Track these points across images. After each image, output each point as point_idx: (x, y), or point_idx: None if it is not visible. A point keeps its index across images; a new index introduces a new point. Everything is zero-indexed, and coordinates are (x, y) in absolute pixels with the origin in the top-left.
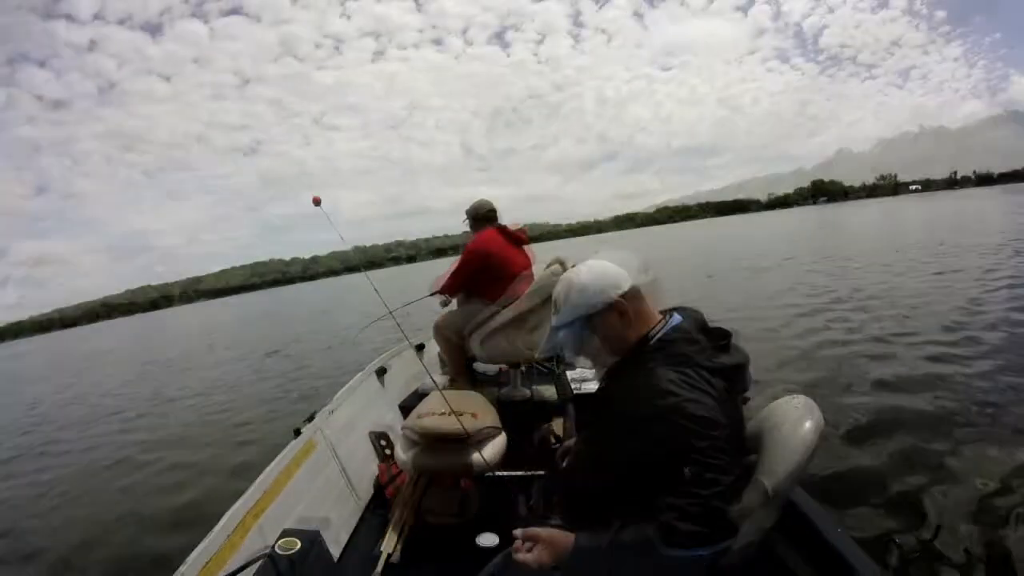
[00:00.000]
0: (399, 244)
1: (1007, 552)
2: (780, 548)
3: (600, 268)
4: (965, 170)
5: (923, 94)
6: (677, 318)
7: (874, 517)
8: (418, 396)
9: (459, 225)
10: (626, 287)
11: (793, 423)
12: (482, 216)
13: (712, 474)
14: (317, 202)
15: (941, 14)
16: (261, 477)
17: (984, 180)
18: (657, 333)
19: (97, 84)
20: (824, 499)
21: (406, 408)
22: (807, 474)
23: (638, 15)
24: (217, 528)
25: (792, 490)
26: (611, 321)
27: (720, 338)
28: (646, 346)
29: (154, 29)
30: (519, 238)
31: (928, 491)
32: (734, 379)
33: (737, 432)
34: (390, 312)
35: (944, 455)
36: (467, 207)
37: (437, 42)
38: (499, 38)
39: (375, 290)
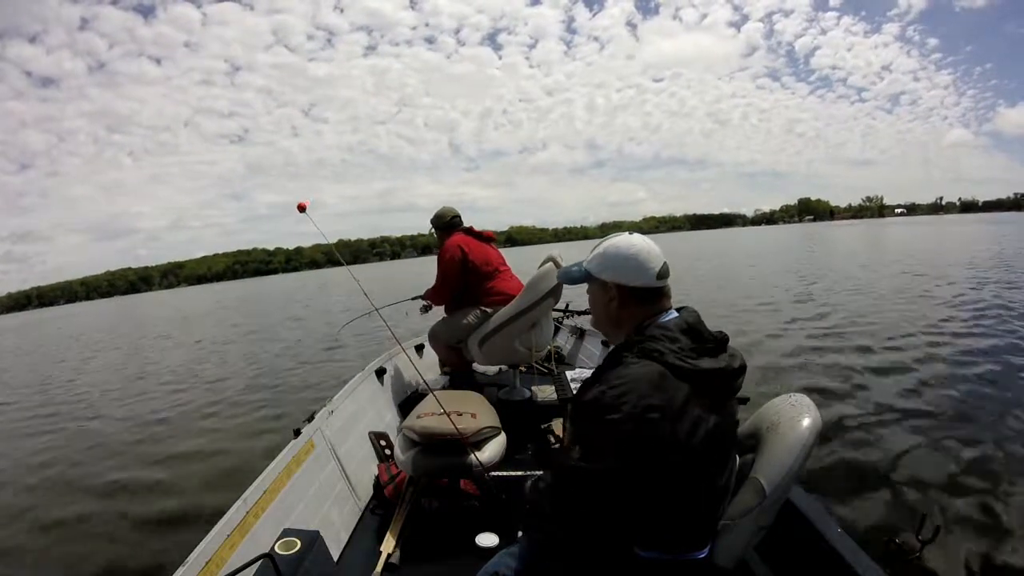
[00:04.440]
0: (384, 240)
1: (1007, 552)
2: (778, 548)
3: (632, 251)
4: (950, 196)
5: (911, 119)
6: (670, 315)
7: (873, 516)
8: (417, 396)
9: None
10: (635, 283)
11: (790, 422)
12: (447, 223)
13: (656, 475)
14: (303, 208)
15: (933, 41)
16: (261, 477)
17: (968, 207)
18: (644, 328)
19: (87, 63)
20: (823, 498)
21: (405, 408)
22: (805, 473)
23: (631, 25)
24: (217, 528)
25: (790, 489)
26: (601, 294)
27: (711, 341)
28: (630, 338)
29: (147, 11)
30: (487, 236)
31: (928, 490)
32: (715, 385)
33: (717, 437)
34: (376, 309)
35: (943, 454)
36: (431, 217)
37: (429, 40)
38: (491, 40)
39: (362, 291)
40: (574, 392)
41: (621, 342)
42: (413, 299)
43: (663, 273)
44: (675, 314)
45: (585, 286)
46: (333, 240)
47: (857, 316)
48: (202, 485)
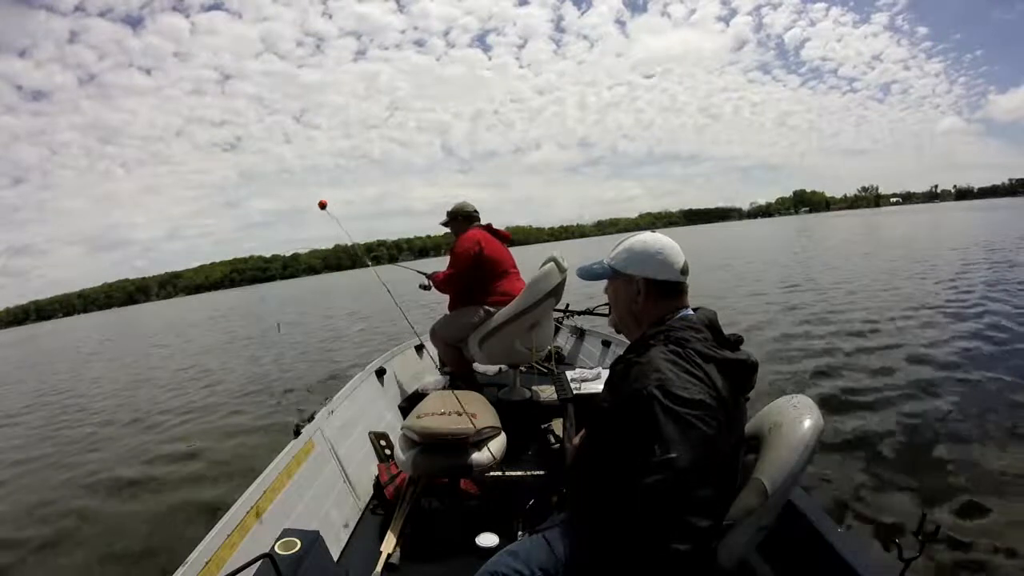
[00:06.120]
0: (381, 244)
1: (1007, 552)
2: (780, 548)
3: (658, 246)
4: (945, 184)
5: (903, 108)
6: (689, 311)
7: (874, 517)
8: (417, 396)
9: (441, 226)
10: (661, 276)
11: (792, 422)
12: (466, 216)
13: (681, 456)
14: (323, 205)
15: (923, 30)
16: (261, 477)
17: (963, 194)
18: (665, 320)
19: (77, 76)
20: (824, 499)
21: (405, 408)
22: (806, 474)
23: (620, 23)
24: (217, 528)
25: (791, 490)
26: (626, 289)
27: (729, 338)
28: (651, 330)
29: (135, 22)
30: (504, 236)
31: (928, 490)
32: (736, 376)
33: (736, 429)
34: (368, 264)
35: (944, 455)
36: (449, 208)
37: (419, 43)
38: (481, 41)
39: (383, 283)
40: (574, 392)
41: (639, 336)
42: (420, 272)
43: (685, 269)
44: (691, 311)
45: (589, 287)
46: (330, 245)
47: (857, 315)
48: (202, 485)
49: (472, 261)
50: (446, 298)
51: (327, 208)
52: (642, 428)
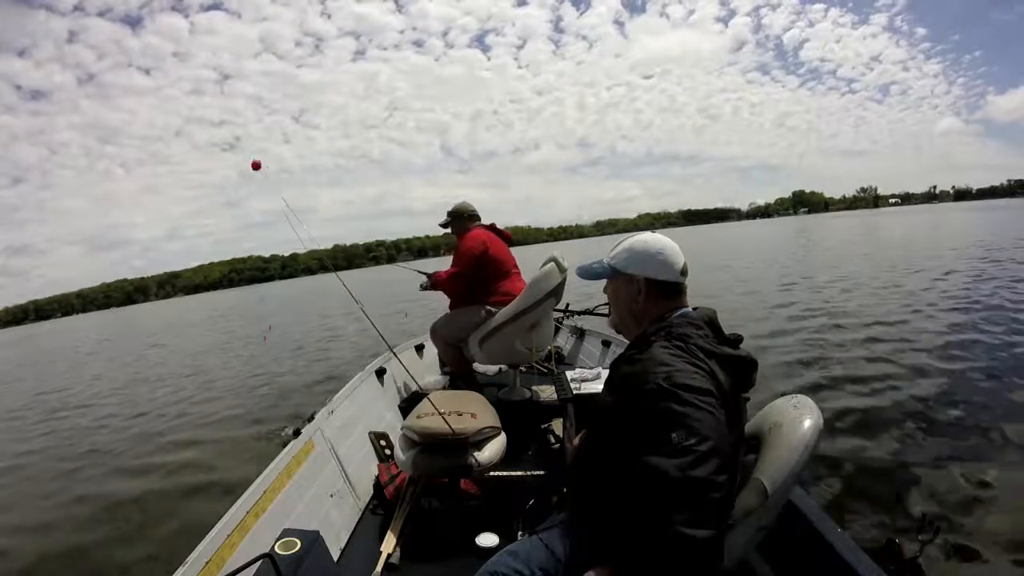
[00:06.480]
0: (379, 244)
1: (1007, 551)
2: (780, 548)
3: (659, 246)
4: (944, 184)
5: (902, 109)
6: (688, 310)
7: (874, 517)
8: (417, 397)
9: (440, 227)
10: (661, 276)
11: (792, 422)
12: (468, 215)
13: (700, 441)
14: (256, 166)
15: (922, 31)
16: (261, 477)
17: (962, 195)
18: (665, 318)
19: (76, 75)
20: (823, 499)
21: (405, 409)
22: (806, 474)
23: (619, 23)
24: (217, 528)
25: (791, 490)
26: (627, 288)
27: (729, 336)
28: (651, 327)
29: (134, 22)
30: (506, 236)
31: (928, 491)
32: (737, 372)
33: (737, 427)
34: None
35: (944, 454)
36: (449, 208)
37: (418, 44)
38: (480, 41)
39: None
40: (574, 392)
41: (640, 332)
42: (420, 272)
43: (685, 270)
44: (690, 310)
45: (589, 287)
46: (329, 245)
47: (856, 313)
48: (201, 484)
49: (477, 260)
50: (447, 298)
51: (260, 170)
52: (654, 420)
